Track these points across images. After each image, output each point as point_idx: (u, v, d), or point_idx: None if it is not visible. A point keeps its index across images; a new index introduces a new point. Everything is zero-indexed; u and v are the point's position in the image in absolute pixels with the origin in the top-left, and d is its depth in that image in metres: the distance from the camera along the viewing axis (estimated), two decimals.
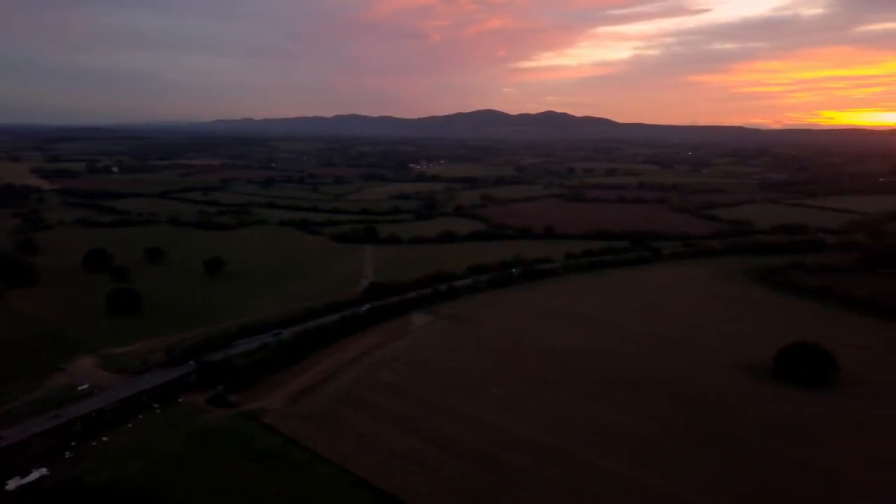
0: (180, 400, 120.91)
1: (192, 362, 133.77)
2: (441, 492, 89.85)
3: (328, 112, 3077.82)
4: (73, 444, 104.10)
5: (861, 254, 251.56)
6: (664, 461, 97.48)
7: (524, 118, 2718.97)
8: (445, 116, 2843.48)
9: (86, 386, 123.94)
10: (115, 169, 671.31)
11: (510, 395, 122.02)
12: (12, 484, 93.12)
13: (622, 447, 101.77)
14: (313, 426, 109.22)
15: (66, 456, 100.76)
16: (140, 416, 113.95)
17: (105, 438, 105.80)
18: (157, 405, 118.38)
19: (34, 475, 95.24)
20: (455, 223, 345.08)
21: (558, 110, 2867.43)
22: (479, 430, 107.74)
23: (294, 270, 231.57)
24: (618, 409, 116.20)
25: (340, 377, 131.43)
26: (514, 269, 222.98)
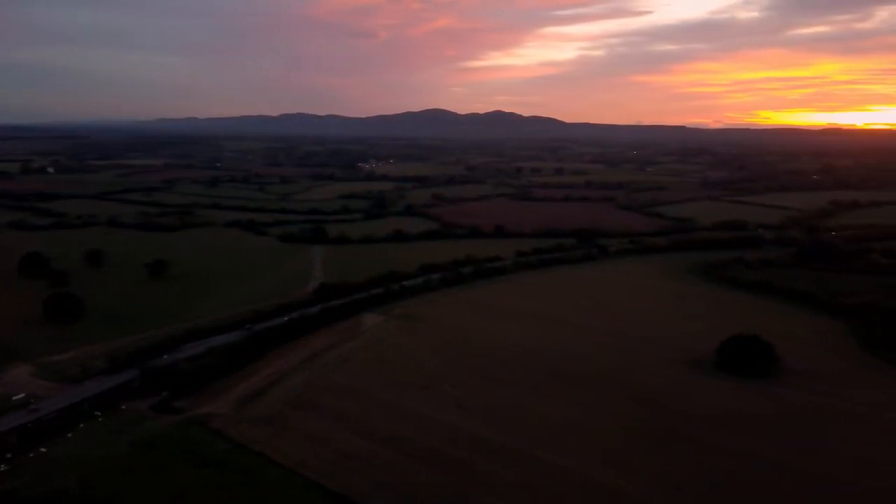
0: (123, 407, 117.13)
1: (135, 368, 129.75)
2: (394, 492, 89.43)
3: (274, 111, 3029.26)
4: (8, 456, 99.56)
5: (797, 249, 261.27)
6: (616, 457, 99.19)
7: (473, 117, 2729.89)
8: (394, 115, 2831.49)
9: (21, 396, 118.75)
10: (50, 169, 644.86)
11: (463, 394, 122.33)
12: None
13: (574, 444, 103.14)
14: (263, 430, 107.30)
15: (1, 469, 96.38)
16: (81, 426, 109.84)
17: (43, 449, 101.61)
18: (98, 413, 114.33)
19: None
20: (406, 222, 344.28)
21: (507, 110, 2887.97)
22: (432, 430, 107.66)
23: (241, 272, 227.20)
24: (569, 406, 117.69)
25: (291, 379, 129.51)
26: (465, 268, 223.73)
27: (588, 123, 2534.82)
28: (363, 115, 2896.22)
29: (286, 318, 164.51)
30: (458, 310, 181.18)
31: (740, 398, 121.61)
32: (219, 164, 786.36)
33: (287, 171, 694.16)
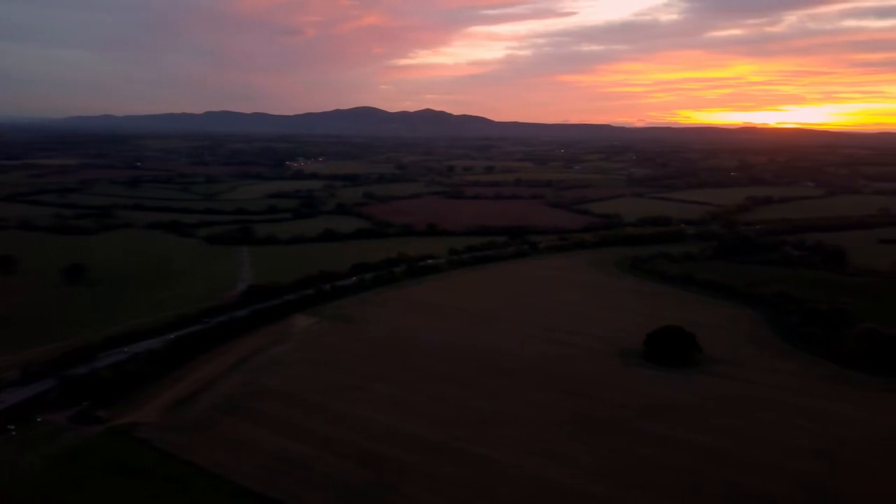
0: (40, 420, 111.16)
1: (53, 378, 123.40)
2: (329, 494, 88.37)
3: (198, 108, 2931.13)
4: None
5: (717, 243, 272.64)
6: (548, 448, 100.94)
7: (403, 115, 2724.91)
8: (323, 113, 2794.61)
9: None
10: None
11: (395, 392, 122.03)
12: None
13: (507, 437, 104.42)
14: (192, 437, 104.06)
15: None
16: None
17: None
18: (12, 427, 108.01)
19: None
20: (337, 221, 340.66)
21: (436, 108, 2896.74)
22: (364, 430, 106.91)
23: (165, 275, 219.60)
24: (501, 400, 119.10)
25: (219, 385, 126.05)
26: (398, 267, 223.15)
27: (517, 122, 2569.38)
28: (291, 113, 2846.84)
29: (214, 322, 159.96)
30: (392, 309, 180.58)
31: (666, 387, 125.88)
32: (139, 164, 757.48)
33: (212, 170, 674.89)
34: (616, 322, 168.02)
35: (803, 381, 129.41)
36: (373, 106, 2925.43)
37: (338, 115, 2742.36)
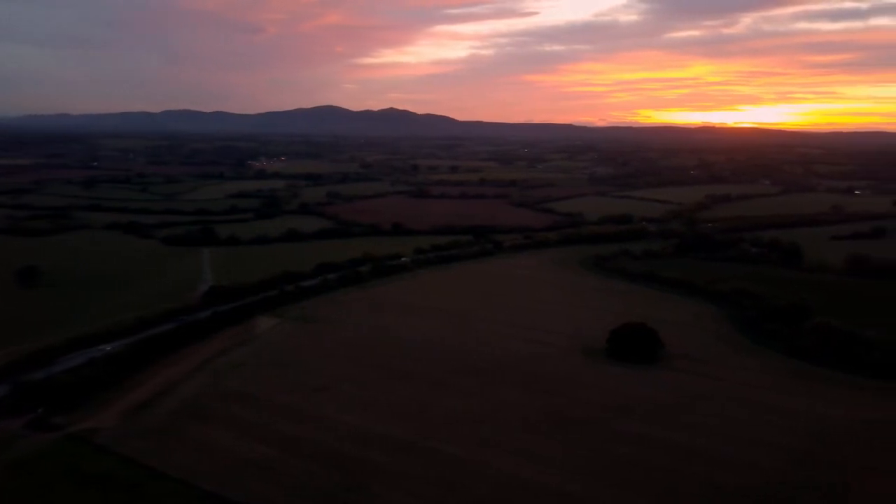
0: None
1: (6, 384, 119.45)
2: (297, 496, 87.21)
3: (156, 107, 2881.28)
4: None
5: (678, 240, 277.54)
6: (521, 447, 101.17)
7: (367, 114, 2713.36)
8: (285, 112, 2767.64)
9: None
10: None
11: (363, 392, 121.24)
12: None
13: (475, 435, 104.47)
14: (153, 442, 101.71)
15: None
16: None
17: None
18: None
19: None
20: (300, 221, 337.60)
21: (400, 107, 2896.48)
22: (332, 430, 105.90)
23: (124, 277, 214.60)
24: (469, 398, 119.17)
25: (182, 388, 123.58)
26: (364, 267, 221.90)
27: (481, 121, 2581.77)
28: (253, 112, 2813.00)
29: (175, 325, 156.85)
30: (357, 309, 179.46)
31: (630, 383, 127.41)
32: (96, 163, 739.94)
33: (172, 169, 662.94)
34: (581, 319, 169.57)
35: (766, 377, 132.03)
36: (336, 105, 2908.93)
37: (300, 114, 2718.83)
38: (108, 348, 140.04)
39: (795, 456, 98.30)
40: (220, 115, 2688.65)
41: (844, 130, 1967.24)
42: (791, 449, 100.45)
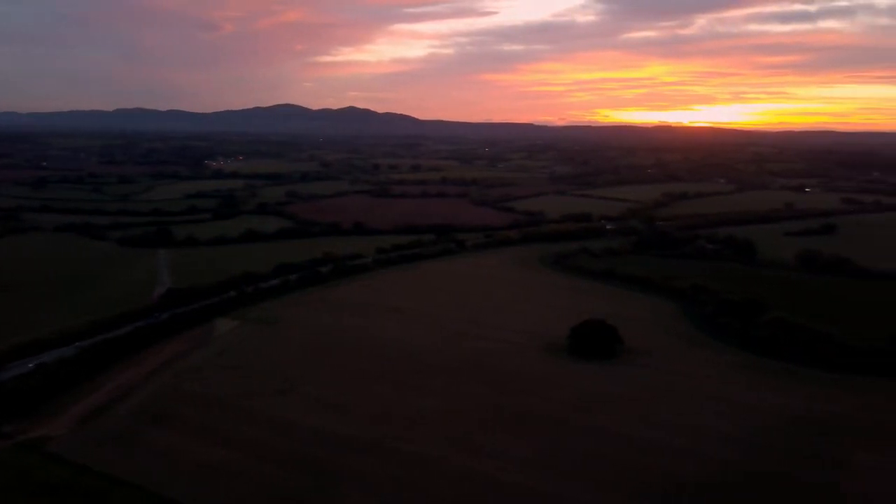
0: None
1: None
2: (259, 501, 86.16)
3: (109, 105, 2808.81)
4: None
5: (636, 238, 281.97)
6: (484, 444, 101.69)
7: (326, 113, 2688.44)
8: (243, 111, 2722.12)
9: None
10: None
11: (326, 393, 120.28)
12: None
13: (440, 434, 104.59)
14: (110, 449, 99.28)
15: None
16: None
17: None
18: None
19: None
20: (259, 221, 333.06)
21: (360, 106, 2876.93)
22: (295, 433, 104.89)
23: (77, 280, 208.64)
24: (432, 397, 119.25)
25: (139, 392, 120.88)
26: (325, 267, 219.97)
27: (442, 121, 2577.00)
28: (209, 111, 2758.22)
29: (131, 328, 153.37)
30: (318, 309, 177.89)
31: (591, 380, 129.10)
32: (45, 163, 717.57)
33: (126, 169, 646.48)
34: (542, 317, 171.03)
35: (722, 371, 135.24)
36: (295, 103, 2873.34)
37: (258, 112, 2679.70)
38: (62, 353, 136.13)
39: (750, 447, 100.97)
40: (175, 114, 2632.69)
41: (795, 130, 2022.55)
42: (745, 440, 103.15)
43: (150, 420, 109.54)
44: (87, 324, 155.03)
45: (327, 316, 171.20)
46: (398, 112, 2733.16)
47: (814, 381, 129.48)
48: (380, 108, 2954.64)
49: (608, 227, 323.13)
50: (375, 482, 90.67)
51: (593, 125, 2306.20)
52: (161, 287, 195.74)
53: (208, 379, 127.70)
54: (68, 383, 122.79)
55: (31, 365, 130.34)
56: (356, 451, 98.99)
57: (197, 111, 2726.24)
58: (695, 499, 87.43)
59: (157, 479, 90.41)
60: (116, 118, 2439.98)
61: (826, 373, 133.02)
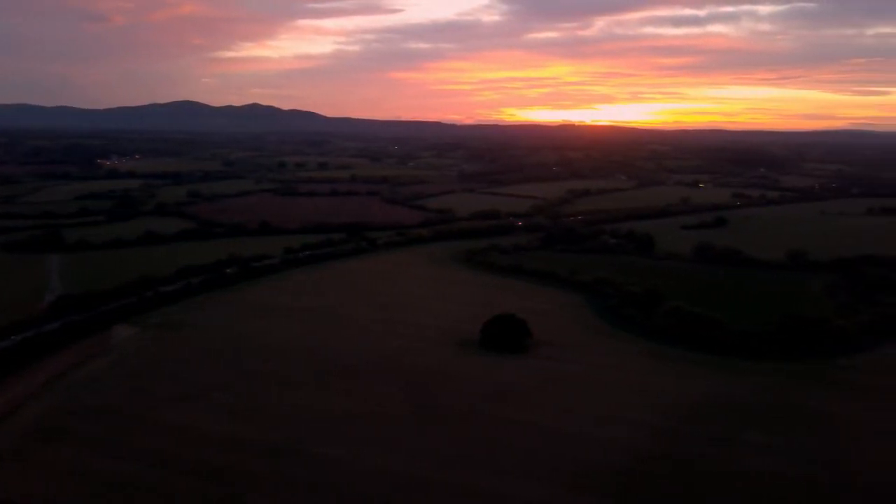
0: None
1: None
2: None
3: None
4: None
5: (543, 234, 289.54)
6: (398, 442, 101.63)
7: (228, 110, 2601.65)
8: (138, 107, 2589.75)
9: None
10: None
11: (233, 399, 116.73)
12: None
13: (352, 435, 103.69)
14: (2, 471, 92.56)
15: None
16: None
17: None
18: None
19: None
20: (158, 223, 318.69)
21: (264, 103, 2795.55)
22: (202, 442, 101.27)
23: None
24: (345, 397, 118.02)
25: (31, 407, 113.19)
26: (230, 269, 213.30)
27: (349, 118, 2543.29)
28: (101, 107, 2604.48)
29: (18, 339, 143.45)
30: (225, 312, 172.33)
31: (502, 372, 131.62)
32: None
33: (9, 169, 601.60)
34: (454, 313, 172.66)
35: (626, 359, 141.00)
36: (194, 100, 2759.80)
37: (155, 109, 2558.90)
38: None
39: (655, 431, 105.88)
40: (64, 110, 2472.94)
41: (689, 128, 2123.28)
42: (652, 425, 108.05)
43: (44, 437, 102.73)
44: None
45: (235, 319, 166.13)
46: (304, 109, 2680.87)
47: (710, 365, 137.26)
48: (284, 105, 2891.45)
49: (517, 223, 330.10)
50: (291, 487, 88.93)
51: (500, 124, 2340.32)
52: (52, 294, 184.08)
53: (107, 389, 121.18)
54: None
55: None
56: (270, 456, 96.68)
57: (88, 107, 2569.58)
58: (604, 483, 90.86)
59: (56, 500, 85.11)
60: None
61: (720, 357, 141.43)
